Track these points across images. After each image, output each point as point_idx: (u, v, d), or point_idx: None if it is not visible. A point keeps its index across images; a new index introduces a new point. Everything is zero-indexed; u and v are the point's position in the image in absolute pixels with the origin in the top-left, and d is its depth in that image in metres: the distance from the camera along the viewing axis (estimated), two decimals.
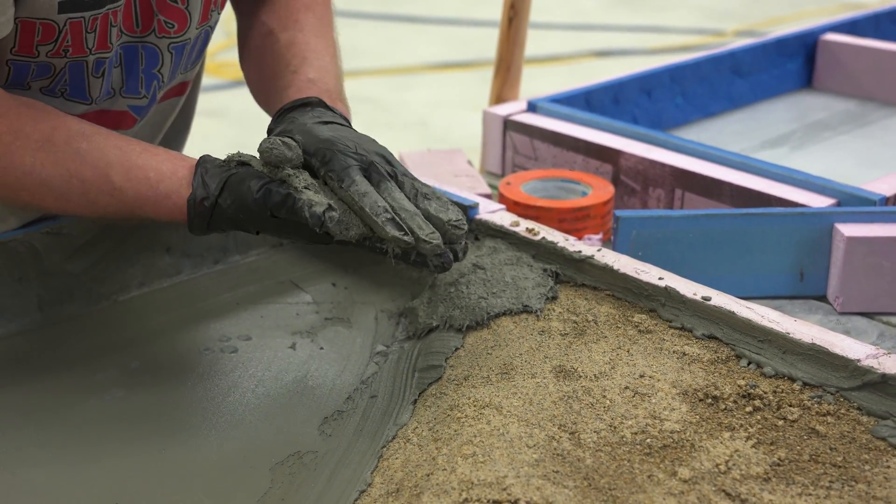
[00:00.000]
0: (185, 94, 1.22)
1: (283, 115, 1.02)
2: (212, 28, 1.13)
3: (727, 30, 5.66)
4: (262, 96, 1.16)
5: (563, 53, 5.25)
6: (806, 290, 1.18)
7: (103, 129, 0.97)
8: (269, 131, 1.03)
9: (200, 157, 0.95)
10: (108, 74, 1.05)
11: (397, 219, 0.89)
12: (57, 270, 1.10)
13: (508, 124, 1.48)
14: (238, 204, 0.91)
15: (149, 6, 1.04)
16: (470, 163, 1.44)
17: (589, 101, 1.56)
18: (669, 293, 1.00)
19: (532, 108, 1.51)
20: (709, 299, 0.98)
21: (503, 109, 1.52)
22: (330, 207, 0.88)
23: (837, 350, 0.90)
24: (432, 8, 6.16)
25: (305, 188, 0.90)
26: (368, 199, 0.89)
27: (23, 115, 0.94)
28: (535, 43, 5.08)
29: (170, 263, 1.18)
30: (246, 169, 0.93)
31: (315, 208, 0.88)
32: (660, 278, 1.02)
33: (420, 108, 4.58)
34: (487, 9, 4.53)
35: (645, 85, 1.64)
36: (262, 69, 1.15)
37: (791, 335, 0.93)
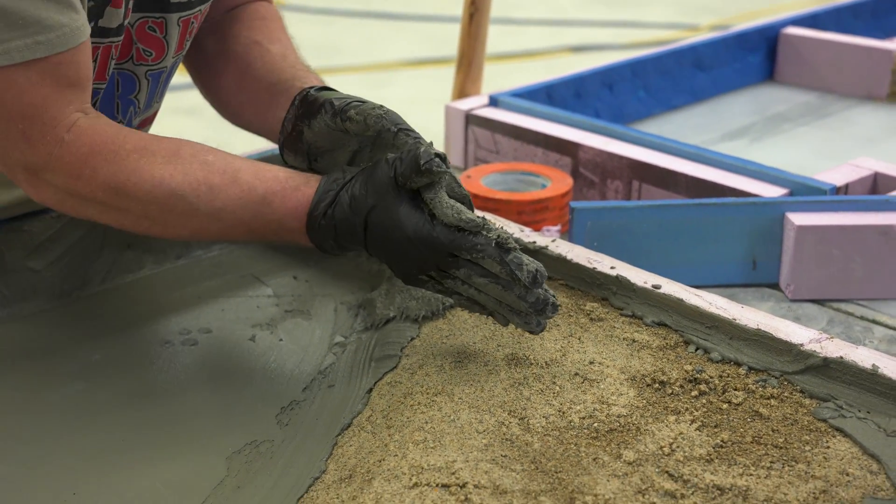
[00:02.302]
0: (153, 121, 1.23)
1: (323, 90, 1.04)
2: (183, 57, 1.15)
3: (702, 24, 5.69)
4: (248, 96, 1.13)
5: (539, 49, 5.27)
6: (759, 279, 1.20)
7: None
8: (306, 99, 1.03)
9: None
10: (98, 105, 1.07)
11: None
12: (19, 267, 1.11)
13: (470, 119, 1.50)
14: (366, 178, 0.93)
15: (128, 35, 1.06)
16: None
17: (551, 96, 1.58)
18: (620, 282, 1.02)
19: (493, 102, 1.53)
20: (659, 287, 1.00)
21: (465, 104, 1.53)
22: (442, 157, 0.90)
23: (781, 335, 0.93)
24: (409, 5, 6.18)
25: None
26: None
27: (146, 136, 0.97)
28: (511, 38, 5.11)
29: (132, 259, 1.19)
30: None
31: (429, 149, 0.90)
32: (611, 267, 1.04)
33: (398, 104, 4.56)
34: None
35: (606, 79, 1.66)
36: (250, 73, 1.13)
37: (737, 321, 0.95)
